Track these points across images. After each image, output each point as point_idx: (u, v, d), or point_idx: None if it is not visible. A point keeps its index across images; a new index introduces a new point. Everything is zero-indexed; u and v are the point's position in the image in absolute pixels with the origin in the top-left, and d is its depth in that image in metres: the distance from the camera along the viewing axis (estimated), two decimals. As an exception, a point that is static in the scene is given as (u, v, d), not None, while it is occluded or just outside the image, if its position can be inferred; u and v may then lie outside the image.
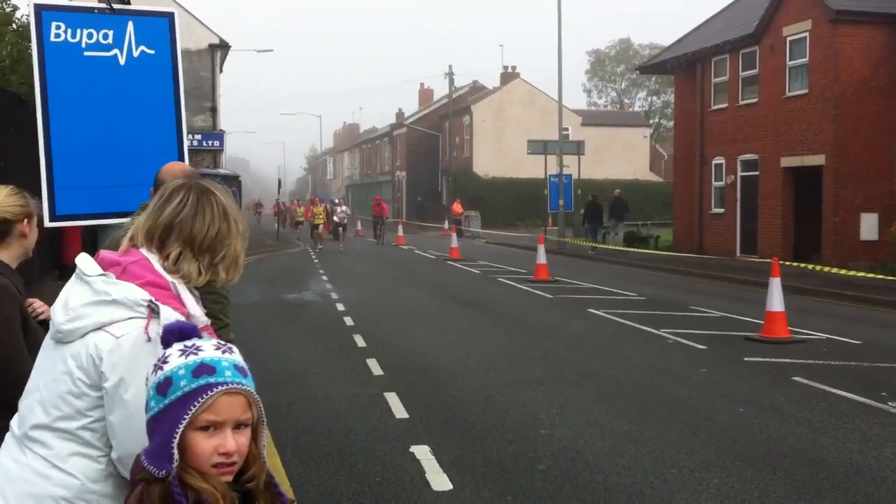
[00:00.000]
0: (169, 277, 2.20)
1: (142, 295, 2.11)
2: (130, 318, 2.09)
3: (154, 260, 2.21)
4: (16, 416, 2.20)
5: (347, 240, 36.75)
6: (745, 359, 10.49)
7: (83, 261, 2.20)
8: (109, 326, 2.08)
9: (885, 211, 22.47)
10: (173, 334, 1.89)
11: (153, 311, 2.09)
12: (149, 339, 2.06)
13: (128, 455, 2.02)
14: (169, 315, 2.09)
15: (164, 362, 1.83)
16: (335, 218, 35.56)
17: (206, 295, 3.66)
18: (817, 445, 6.84)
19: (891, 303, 16.06)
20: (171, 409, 1.79)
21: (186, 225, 2.24)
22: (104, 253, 2.24)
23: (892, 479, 6.02)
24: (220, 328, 3.60)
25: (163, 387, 1.80)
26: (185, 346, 1.84)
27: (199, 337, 1.90)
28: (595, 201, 32.90)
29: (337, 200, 41.69)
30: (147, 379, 1.88)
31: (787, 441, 6.96)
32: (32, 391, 2.17)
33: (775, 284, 11.98)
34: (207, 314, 3.65)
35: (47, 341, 2.20)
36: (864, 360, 10.44)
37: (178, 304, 2.17)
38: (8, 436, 2.20)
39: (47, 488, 2.08)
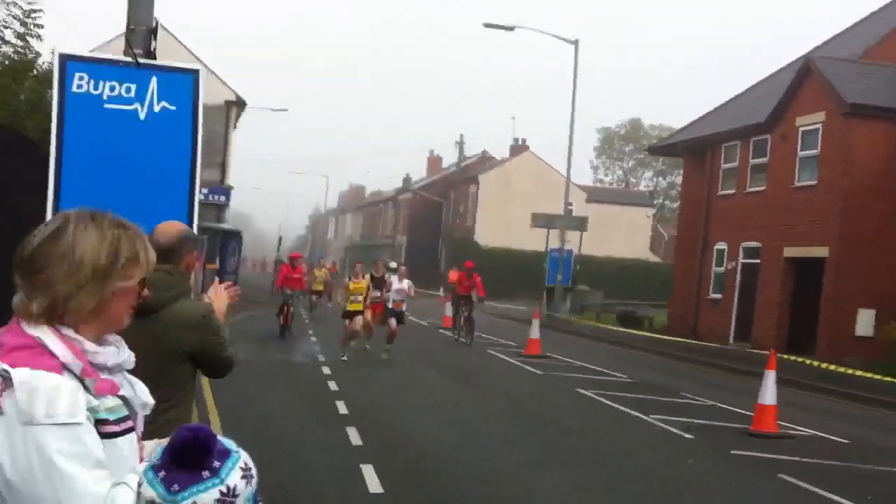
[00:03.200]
0: (30, 331, 1.97)
1: None
2: None
3: (25, 318, 2.00)
4: None
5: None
6: (733, 452, 10.32)
7: None
8: None
9: (884, 309, 22.37)
10: (186, 448, 1.55)
11: (6, 380, 1.90)
12: (1, 413, 1.88)
13: None
14: (22, 377, 1.90)
15: (235, 496, 1.55)
16: (389, 297, 18.24)
17: (203, 333, 3.63)
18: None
19: (881, 402, 15.89)
20: None
21: (40, 259, 2.00)
22: None
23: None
24: (226, 354, 3.68)
25: None
26: (245, 469, 1.58)
27: (212, 437, 1.60)
28: None
29: (394, 265, 22.98)
30: None
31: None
32: None
33: (770, 377, 11.85)
34: (212, 353, 3.59)
35: None
36: (851, 461, 10.27)
37: (45, 357, 1.95)
38: None
39: None
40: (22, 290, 2.03)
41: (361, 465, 8.25)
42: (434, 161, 77.02)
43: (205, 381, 11.04)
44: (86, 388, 2.00)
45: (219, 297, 4.00)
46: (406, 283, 18.30)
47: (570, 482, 8.33)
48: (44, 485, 1.90)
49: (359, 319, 17.18)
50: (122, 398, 2.07)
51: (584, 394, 14.41)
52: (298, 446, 9.12)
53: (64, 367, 1.98)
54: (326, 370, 15.33)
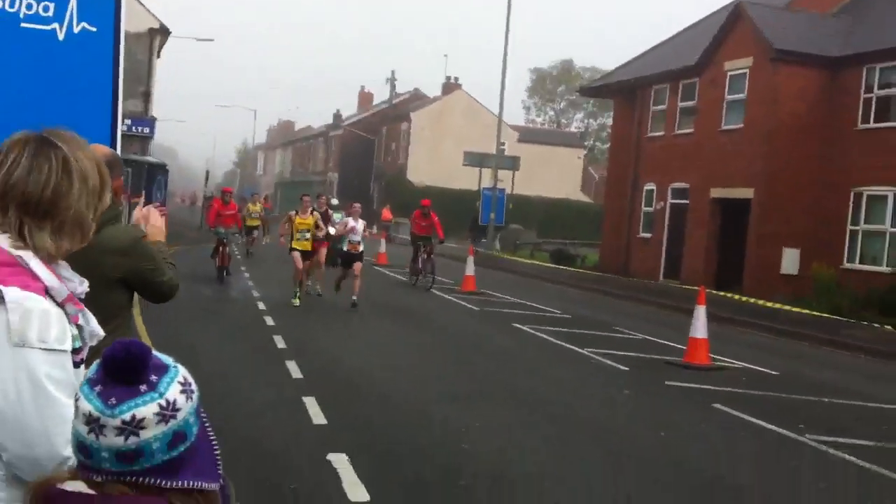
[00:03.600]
0: (14, 252, 1.90)
1: None
2: None
3: None
4: None
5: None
6: (667, 383, 10.53)
7: None
8: None
9: (807, 247, 23.03)
10: (120, 361, 1.48)
11: None
12: None
13: (19, 457, 1.84)
14: (15, 297, 1.84)
15: (175, 410, 1.48)
16: (345, 238, 16.45)
17: (133, 259, 3.48)
18: (736, 473, 6.84)
19: (807, 336, 16.41)
20: (198, 440, 1.54)
21: (19, 187, 1.93)
22: None
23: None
24: (164, 279, 3.53)
25: (178, 439, 1.50)
26: (184, 384, 1.52)
27: (147, 351, 1.52)
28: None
29: (335, 201, 25.22)
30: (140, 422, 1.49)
31: (709, 468, 6.94)
32: None
33: (700, 312, 12.09)
34: (146, 279, 3.46)
35: None
36: (783, 391, 10.57)
37: (30, 279, 1.89)
38: None
39: None
40: (30, 226, 1.94)
41: (304, 398, 8.17)
42: (365, 97, 76.10)
43: (137, 317, 10.78)
44: (66, 315, 1.94)
45: (151, 215, 3.83)
46: (362, 224, 16.49)
47: (514, 414, 8.38)
48: (32, 409, 1.84)
49: (312, 259, 16.10)
50: (79, 328, 1.97)
51: (521, 328, 14.52)
52: (238, 380, 8.99)
53: (46, 292, 1.88)
54: (261, 305, 15.13)
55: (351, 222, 16.30)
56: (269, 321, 13.28)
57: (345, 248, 16.30)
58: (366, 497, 5.58)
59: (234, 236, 19.75)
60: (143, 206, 3.94)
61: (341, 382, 9.24)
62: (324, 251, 16.73)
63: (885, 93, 22.19)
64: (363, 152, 65.09)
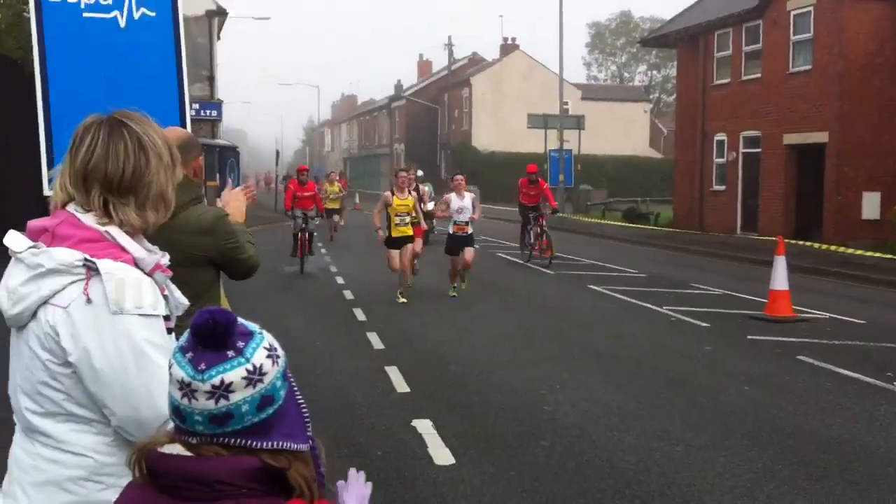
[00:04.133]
0: (101, 228, 2.01)
1: (75, 256, 1.94)
2: (72, 283, 1.94)
3: (82, 214, 2.03)
4: (14, 406, 2.09)
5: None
6: (749, 337, 10.39)
7: (10, 238, 2.03)
8: (54, 299, 1.94)
9: (888, 190, 22.33)
10: (208, 328, 1.55)
11: (91, 270, 1.94)
12: (88, 301, 1.92)
13: (127, 419, 1.95)
14: (109, 268, 1.94)
15: (262, 374, 1.55)
16: (451, 217, 13.78)
17: (216, 237, 3.59)
18: (824, 425, 6.74)
19: (893, 282, 15.96)
20: (286, 403, 1.62)
21: (100, 168, 2.03)
22: (31, 222, 2.06)
23: (902, 461, 5.93)
24: (245, 256, 3.67)
25: (266, 402, 1.57)
26: (270, 350, 1.59)
27: (232, 319, 1.59)
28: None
29: (421, 173, 21.48)
30: (232, 390, 1.55)
31: (793, 420, 6.86)
32: (12, 379, 2.06)
33: (780, 262, 11.86)
34: (229, 257, 3.59)
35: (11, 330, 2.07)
36: (870, 340, 10.34)
37: (119, 251, 2.00)
38: (17, 427, 2.10)
39: (62, 472, 1.99)
40: (114, 203, 2.05)
41: (386, 368, 8.31)
42: (424, 66, 75.87)
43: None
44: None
45: (236, 198, 3.95)
46: (469, 198, 13.61)
47: (594, 373, 8.38)
48: (135, 373, 1.94)
49: (409, 250, 12.90)
50: (165, 297, 2.06)
51: (596, 290, 14.45)
52: (323, 351, 9.17)
53: (135, 263, 2.00)
54: (340, 280, 15.35)
55: (455, 199, 13.51)
56: (348, 294, 13.47)
57: (450, 231, 13.58)
58: (451, 460, 5.67)
59: (313, 221, 17.40)
60: (230, 190, 4.07)
61: (422, 351, 9.35)
62: (420, 238, 13.87)
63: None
64: (427, 121, 65.05)
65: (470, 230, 13.47)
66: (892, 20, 22.50)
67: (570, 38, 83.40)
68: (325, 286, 14.80)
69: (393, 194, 12.82)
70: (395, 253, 12.72)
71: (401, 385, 7.68)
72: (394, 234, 12.74)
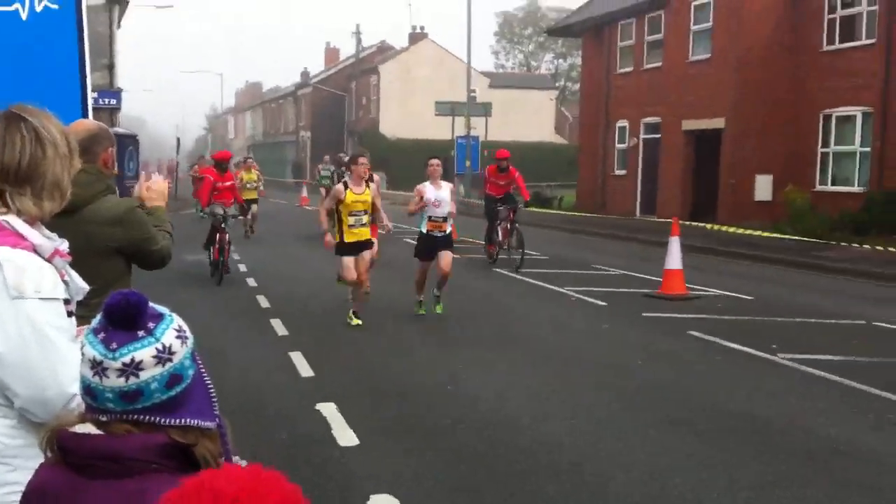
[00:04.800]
0: (1, 217, 2.10)
1: None
2: None
3: None
4: None
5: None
6: (644, 314, 10.79)
7: None
8: None
9: (779, 173, 23.29)
10: (120, 309, 1.61)
11: None
12: None
13: (32, 401, 2.01)
14: (7, 255, 2.02)
15: (171, 353, 1.62)
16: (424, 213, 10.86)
17: (126, 228, 3.60)
18: (714, 395, 7.10)
19: (782, 260, 16.72)
20: (194, 382, 1.68)
21: None
22: None
23: (781, 425, 6.30)
24: (156, 247, 3.61)
25: (174, 380, 1.63)
26: (179, 331, 1.65)
27: (143, 300, 1.65)
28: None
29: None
30: (140, 368, 1.62)
31: (687, 393, 7.20)
32: None
33: (674, 243, 12.32)
34: (140, 247, 3.59)
35: None
36: (757, 315, 10.86)
37: (18, 239, 2.08)
38: None
39: None
40: (11, 193, 2.13)
41: (290, 353, 8.36)
42: (331, 53, 75.27)
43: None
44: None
45: (156, 184, 3.94)
46: (448, 189, 10.81)
47: (499, 353, 8.60)
48: (38, 355, 2.00)
49: (366, 257, 10.06)
50: (65, 282, 2.12)
51: (501, 272, 14.73)
52: (228, 338, 9.15)
53: (34, 250, 2.06)
54: (243, 268, 15.20)
55: (430, 189, 10.52)
56: (251, 282, 13.39)
57: (423, 229, 10.61)
58: (355, 441, 5.79)
59: (231, 219, 14.75)
60: (147, 177, 4.05)
61: (326, 336, 9.42)
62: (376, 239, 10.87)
63: (848, 12, 22.29)
64: (334, 109, 64.65)
65: (448, 228, 10.60)
66: (787, 10, 23.40)
67: (478, 28, 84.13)
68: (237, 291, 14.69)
69: (346, 188, 9.78)
70: (349, 261, 9.87)
71: (304, 369, 7.75)
72: (347, 239, 9.83)
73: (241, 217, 17.98)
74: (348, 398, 6.82)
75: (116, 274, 3.61)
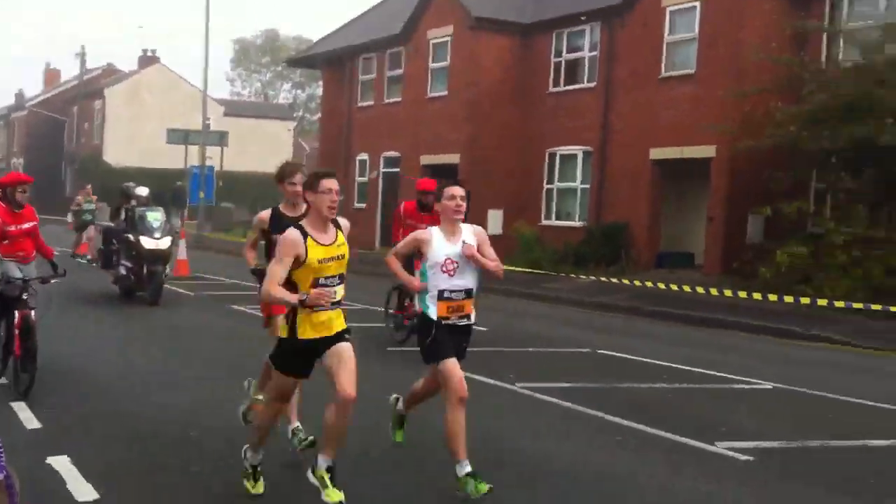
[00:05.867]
0: None
1: None
2: None
3: None
4: None
5: None
6: (388, 349, 10.90)
7: None
8: None
9: (510, 207, 24.67)
10: None
11: None
12: None
13: None
14: None
15: None
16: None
17: None
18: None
19: (513, 291, 17.66)
20: None
21: None
22: None
23: (512, 445, 6.61)
24: None
25: None
26: None
27: None
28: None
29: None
30: None
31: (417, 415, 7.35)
32: None
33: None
34: None
35: None
36: (492, 346, 11.35)
37: None
38: None
39: None
40: None
41: (11, 403, 7.63)
42: (52, 75, 70.53)
43: None
44: None
45: None
46: (472, 234, 6.02)
47: (225, 392, 8.36)
48: None
49: (349, 363, 5.16)
50: None
51: (239, 309, 14.37)
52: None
53: None
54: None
55: (439, 240, 5.87)
56: None
57: (429, 312, 5.80)
58: (94, 495, 5.37)
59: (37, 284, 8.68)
60: None
61: (52, 381, 8.69)
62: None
63: (572, 56, 24.14)
64: (52, 134, 60.49)
65: (473, 311, 5.99)
66: (516, 52, 24.94)
67: (213, 54, 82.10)
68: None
69: (306, 236, 5.11)
70: (290, 383, 5.46)
71: (30, 421, 7.10)
72: (302, 335, 5.13)
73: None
74: (83, 450, 6.32)
75: None
